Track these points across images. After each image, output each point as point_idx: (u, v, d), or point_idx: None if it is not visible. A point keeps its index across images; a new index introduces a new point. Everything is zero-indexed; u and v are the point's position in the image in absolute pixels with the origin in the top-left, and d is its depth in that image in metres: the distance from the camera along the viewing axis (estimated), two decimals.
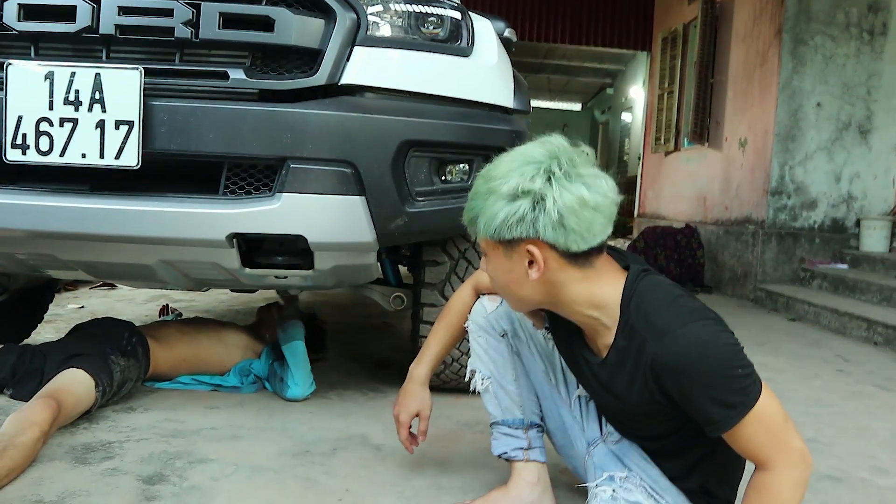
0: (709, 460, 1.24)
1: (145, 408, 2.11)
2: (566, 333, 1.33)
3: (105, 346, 2.06)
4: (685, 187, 7.49)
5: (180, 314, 3.12)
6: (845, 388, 2.85)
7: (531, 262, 1.17)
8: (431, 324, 2.22)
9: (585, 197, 1.12)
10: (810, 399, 2.65)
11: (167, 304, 3.33)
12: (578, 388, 1.46)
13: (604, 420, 1.43)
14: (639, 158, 9.72)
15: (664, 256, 6.59)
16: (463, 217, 1.22)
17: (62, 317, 3.37)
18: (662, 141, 8.15)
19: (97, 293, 4.13)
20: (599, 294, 1.20)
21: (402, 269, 2.66)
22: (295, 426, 2.05)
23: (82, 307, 3.68)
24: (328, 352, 2.82)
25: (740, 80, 6.18)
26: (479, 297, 1.57)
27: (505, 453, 1.52)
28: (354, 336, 3.36)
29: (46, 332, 2.98)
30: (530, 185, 1.13)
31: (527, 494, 1.48)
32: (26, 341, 2.77)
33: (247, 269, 1.80)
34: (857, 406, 2.58)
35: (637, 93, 11.27)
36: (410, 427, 1.61)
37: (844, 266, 5.27)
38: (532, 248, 1.16)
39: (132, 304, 3.85)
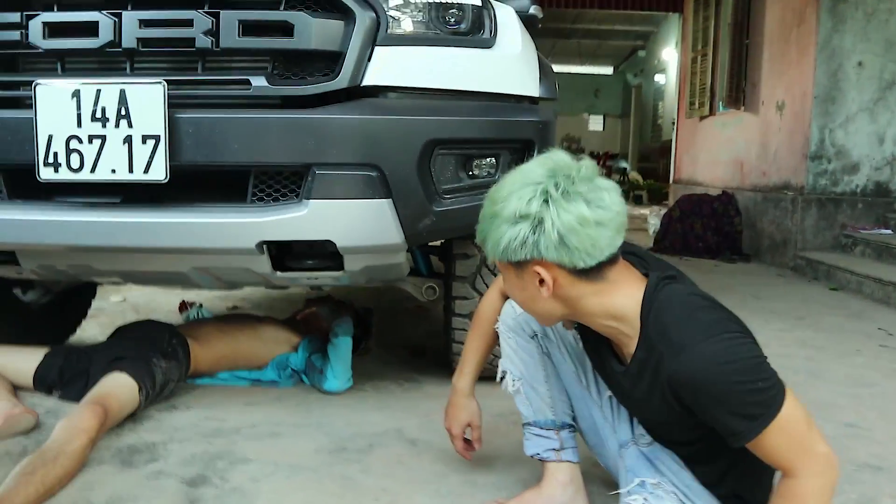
0: (740, 465, 1.23)
1: (187, 406, 2.16)
2: (594, 340, 1.32)
3: (147, 349, 2.11)
4: (721, 153, 7.32)
5: (200, 305, 3.16)
6: (888, 365, 2.79)
7: (541, 281, 1.16)
8: (463, 316, 2.23)
9: (585, 215, 1.11)
10: (851, 378, 2.60)
11: (184, 301, 3.35)
12: (609, 389, 1.46)
13: (635, 422, 1.43)
14: (673, 122, 9.52)
15: (701, 225, 6.48)
16: (476, 238, 1.22)
17: (105, 311, 3.46)
18: (697, 105, 7.96)
19: (138, 286, 4.22)
20: (617, 306, 1.19)
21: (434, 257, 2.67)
22: (332, 421, 2.09)
23: (124, 300, 3.77)
24: (372, 343, 2.84)
25: (776, 41, 5.98)
26: (507, 299, 1.57)
27: (537, 454, 1.53)
28: (389, 322, 3.38)
29: (90, 327, 3.06)
30: (528, 209, 1.12)
31: (559, 495, 1.49)
32: (71, 338, 2.86)
33: (278, 273, 1.83)
34: None
35: (670, 55, 11.00)
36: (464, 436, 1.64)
37: (888, 231, 5.12)
38: (539, 268, 1.15)
39: (172, 294, 3.93)
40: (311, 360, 2.41)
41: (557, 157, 1.19)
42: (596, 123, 18.50)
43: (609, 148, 16.87)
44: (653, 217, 7.90)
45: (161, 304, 3.61)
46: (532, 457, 1.55)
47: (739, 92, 6.62)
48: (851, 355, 2.93)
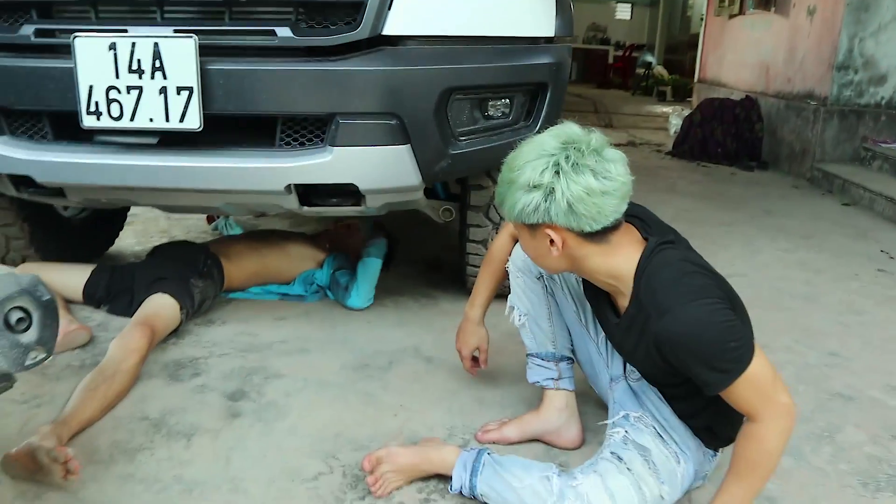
0: (714, 404, 1.38)
1: (222, 321, 2.37)
2: (594, 290, 1.47)
3: (184, 269, 2.29)
4: (748, 54, 7.14)
5: (228, 216, 3.31)
6: (882, 291, 2.92)
7: (551, 242, 1.29)
8: (477, 242, 2.38)
9: (592, 185, 1.23)
10: (843, 304, 2.74)
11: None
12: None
13: None
14: (702, 18, 9.19)
15: (721, 131, 6.45)
16: (495, 199, 1.34)
17: (139, 217, 3.63)
18: (726, 3, 7.67)
19: None
20: (616, 266, 1.32)
21: None
22: (355, 337, 2.29)
23: None
24: (396, 263, 3.00)
25: None
26: (517, 242, 1.71)
27: (537, 382, 1.72)
28: (407, 235, 3.53)
29: (126, 235, 3.26)
30: (540, 179, 1.24)
31: (555, 418, 1.69)
32: (111, 249, 3.06)
33: (304, 208, 1.96)
34: (889, 314, 2.67)
35: None
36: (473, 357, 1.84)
37: None
38: (550, 231, 1.28)
39: None
40: (336, 276, 2.59)
41: (570, 129, 1.29)
42: (623, 12, 17.75)
43: (636, 38, 16.27)
44: (675, 117, 7.82)
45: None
46: (533, 384, 1.73)
47: None
48: (849, 280, 3.06)
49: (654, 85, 12.00)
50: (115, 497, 1.46)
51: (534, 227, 1.31)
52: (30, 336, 1.01)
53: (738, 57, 7.44)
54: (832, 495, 1.56)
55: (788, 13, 6.14)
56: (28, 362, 1.01)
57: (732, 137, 6.36)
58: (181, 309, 2.16)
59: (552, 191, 1.24)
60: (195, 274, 2.30)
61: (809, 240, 3.69)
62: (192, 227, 3.47)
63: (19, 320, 1.00)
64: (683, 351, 1.23)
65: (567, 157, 1.24)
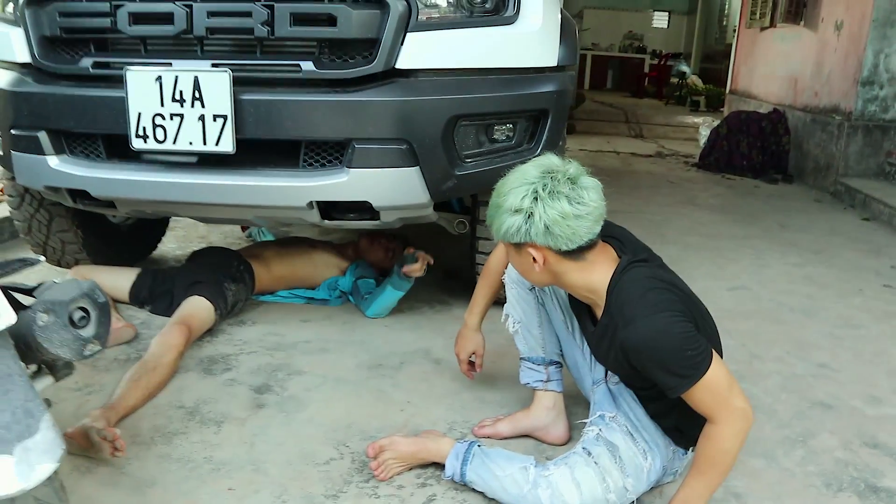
0: (682, 406, 1.54)
1: (253, 321, 2.60)
2: (576, 302, 1.64)
3: (219, 273, 2.53)
4: (777, 67, 7.18)
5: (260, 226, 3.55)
6: (883, 307, 3.01)
7: (533, 259, 1.47)
8: (485, 254, 2.56)
9: (566, 210, 1.41)
10: (841, 319, 2.85)
11: None
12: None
13: None
14: (734, 30, 9.22)
15: (747, 144, 6.52)
16: (486, 220, 1.53)
17: (180, 223, 3.90)
18: (758, 16, 7.72)
19: None
20: (591, 280, 1.50)
21: None
22: (372, 339, 2.49)
23: None
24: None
25: None
26: None
27: (528, 383, 1.90)
28: (426, 243, 3.71)
29: (168, 240, 3.52)
30: (521, 204, 1.43)
31: (543, 416, 1.87)
32: (154, 253, 3.32)
33: (325, 221, 2.17)
34: (885, 329, 2.77)
35: None
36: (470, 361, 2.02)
37: None
38: (532, 249, 1.46)
39: None
40: (358, 284, 2.80)
41: (550, 160, 1.48)
42: (661, 20, 17.74)
43: (673, 47, 16.25)
44: (705, 128, 7.87)
45: None
46: (525, 385, 1.91)
47: (800, 6, 6.43)
48: (852, 295, 3.16)
49: (687, 95, 12.02)
50: (154, 473, 1.68)
51: (518, 246, 1.49)
52: (88, 331, 1.23)
53: (768, 69, 7.49)
54: (795, 493, 1.71)
55: (817, 27, 6.19)
56: (86, 353, 1.23)
57: (758, 150, 6.42)
58: (215, 310, 2.39)
59: (531, 215, 1.42)
60: (229, 278, 2.53)
61: (820, 255, 3.78)
62: (228, 234, 3.73)
63: (81, 318, 1.21)
64: (644, 357, 1.40)
65: (545, 186, 1.42)
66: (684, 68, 13.07)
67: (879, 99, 5.32)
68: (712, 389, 1.40)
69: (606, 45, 15.73)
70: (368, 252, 2.95)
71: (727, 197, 5.31)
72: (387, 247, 2.96)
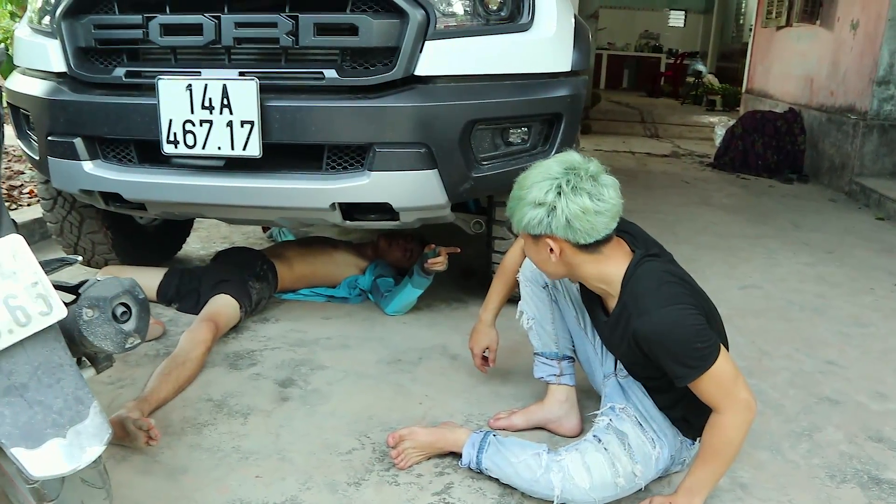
0: (690, 397, 1.61)
1: (276, 319, 2.69)
2: (589, 294, 1.72)
3: (244, 272, 2.62)
4: (793, 66, 7.18)
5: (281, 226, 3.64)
6: (893, 306, 3.05)
7: (551, 250, 1.55)
8: (501, 253, 2.63)
9: (587, 205, 1.48)
10: (851, 318, 2.89)
11: None
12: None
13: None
14: (750, 29, 9.21)
15: (762, 143, 6.53)
16: (506, 211, 1.60)
17: (203, 224, 4.01)
18: (774, 15, 7.71)
19: None
20: (606, 273, 1.57)
21: None
22: (391, 336, 2.58)
23: None
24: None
25: None
26: (526, 256, 1.97)
27: (542, 377, 1.97)
28: (443, 241, 3.78)
29: (192, 241, 3.62)
30: (545, 198, 1.50)
31: (556, 409, 1.94)
32: (179, 253, 3.43)
33: (347, 222, 2.26)
34: (894, 327, 2.81)
35: None
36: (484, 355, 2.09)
37: None
38: (550, 241, 1.54)
39: None
40: (377, 282, 2.88)
41: (572, 157, 1.56)
42: (677, 19, 17.70)
43: (689, 46, 16.21)
44: (720, 127, 7.89)
45: None
46: (538, 379, 1.99)
47: (816, 5, 6.43)
48: (863, 294, 3.19)
49: (703, 94, 12.00)
50: (185, 462, 1.77)
51: (537, 238, 1.56)
52: (129, 326, 1.32)
53: (784, 69, 7.49)
54: (799, 484, 1.77)
55: (833, 27, 6.20)
56: (127, 346, 1.32)
57: (773, 150, 6.43)
58: (240, 308, 2.49)
59: (554, 208, 1.50)
60: (253, 277, 2.63)
61: (832, 254, 3.82)
62: (250, 234, 3.83)
63: (123, 313, 1.31)
64: (656, 346, 1.47)
65: (568, 181, 1.50)
66: (700, 67, 13.04)
67: (895, 99, 5.32)
68: (718, 381, 1.47)
69: (622, 45, 15.72)
70: (387, 252, 3.04)
71: (741, 197, 5.34)
72: (405, 247, 3.05)
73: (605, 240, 1.55)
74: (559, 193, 1.49)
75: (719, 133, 7.73)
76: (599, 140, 8.11)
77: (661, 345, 1.47)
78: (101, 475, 1.28)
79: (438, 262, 2.57)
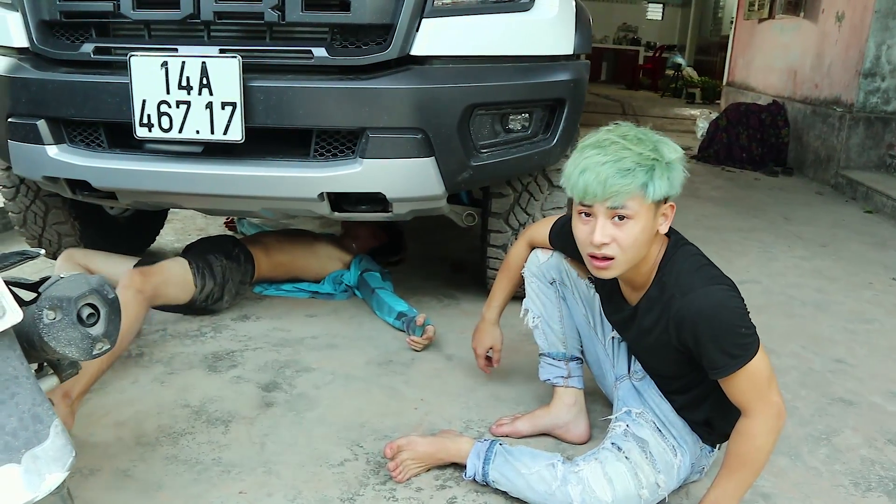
0: (713, 399, 1.49)
1: (257, 316, 2.53)
2: (609, 287, 1.58)
3: (212, 250, 2.43)
4: (776, 59, 7.15)
5: (243, 217, 3.46)
6: (894, 301, 2.98)
7: (665, 215, 1.40)
8: (497, 247, 2.50)
9: (678, 153, 1.37)
10: (853, 313, 2.81)
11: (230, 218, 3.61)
12: (613, 331, 1.73)
13: (633, 359, 1.71)
14: (731, 21, 9.18)
15: (746, 136, 6.48)
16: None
17: (177, 215, 3.82)
18: (756, 7, 7.67)
19: None
20: (651, 253, 1.44)
21: None
22: (380, 334, 2.43)
23: None
24: (406, 253, 3.14)
25: None
26: (532, 250, 1.83)
27: (548, 379, 1.84)
28: (432, 235, 3.66)
29: (166, 232, 3.44)
30: (674, 154, 1.36)
31: (564, 414, 1.81)
32: (152, 246, 3.24)
33: (335, 213, 2.11)
34: None
35: None
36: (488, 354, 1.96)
37: None
38: (668, 207, 1.40)
39: None
40: (364, 277, 2.72)
41: (622, 125, 1.42)
42: (655, 12, 17.70)
43: (667, 39, 16.23)
44: (702, 120, 7.84)
45: None
46: (544, 381, 1.86)
47: None
48: (862, 288, 3.12)
49: (683, 87, 11.99)
50: (161, 476, 1.61)
51: (660, 205, 1.38)
52: (97, 329, 1.16)
53: (767, 61, 7.45)
54: (824, 493, 1.66)
55: (817, 19, 6.15)
56: (95, 352, 1.16)
57: (758, 143, 6.39)
58: (193, 269, 2.29)
59: (668, 163, 1.34)
60: (221, 254, 2.43)
61: (826, 247, 3.75)
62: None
63: (89, 315, 1.14)
64: (700, 329, 1.34)
65: (644, 133, 1.37)
66: (680, 60, 13.04)
67: (881, 91, 5.29)
68: (754, 378, 1.36)
69: (600, 38, 15.68)
70: (355, 236, 2.89)
71: (729, 189, 5.27)
72: (370, 228, 2.92)
73: None
74: (654, 147, 1.35)
75: (701, 126, 7.68)
76: (581, 132, 7.99)
77: (706, 327, 1.34)
78: (64, 501, 1.12)
79: (418, 342, 2.29)
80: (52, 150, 2.00)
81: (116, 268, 2.49)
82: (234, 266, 2.48)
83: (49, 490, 0.98)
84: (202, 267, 2.33)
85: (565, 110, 2.13)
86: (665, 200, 1.39)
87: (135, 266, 2.28)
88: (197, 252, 2.39)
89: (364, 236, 2.91)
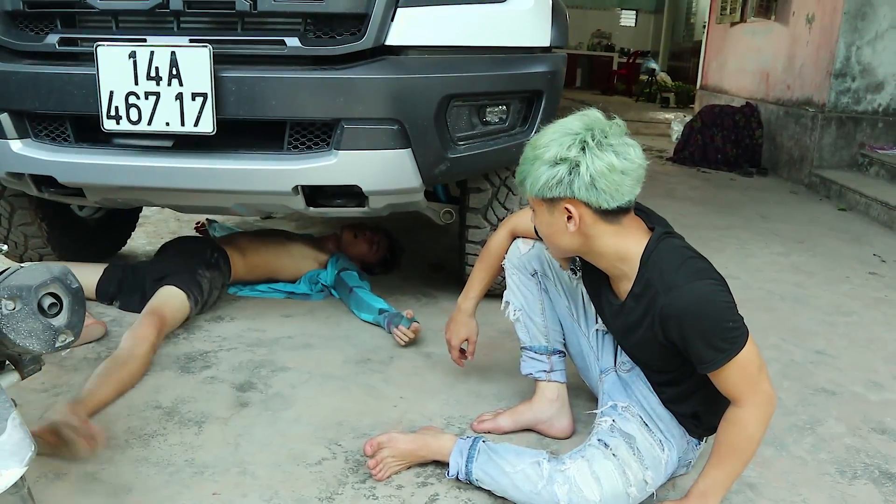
0: (701, 391, 1.47)
1: (231, 317, 2.47)
2: (596, 277, 1.54)
3: (192, 261, 2.39)
4: (748, 62, 7.22)
5: (214, 221, 3.40)
6: (871, 294, 3.00)
7: (569, 217, 1.37)
8: (475, 243, 2.47)
9: (614, 163, 1.32)
10: (832, 306, 2.82)
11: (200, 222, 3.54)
12: (597, 322, 1.70)
13: (619, 351, 1.67)
14: (703, 26, 9.28)
15: (721, 137, 6.53)
16: (515, 179, 1.42)
17: (150, 219, 3.74)
18: (728, 11, 7.76)
19: None
20: (625, 248, 1.41)
21: None
22: (358, 334, 2.38)
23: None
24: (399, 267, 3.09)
25: None
26: (513, 240, 1.80)
27: (531, 374, 1.80)
28: (410, 235, 3.62)
29: (138, 236, 3.36)
30: (567, 154, 1.33)
31: (547, 409, 1.78)
32: (124, 249, 3.16)
33: (311, 209, 2.06)
34: (876, 315, 2.74)
35: None
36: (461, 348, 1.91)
37: None
38: (569, 205, 1.36)
39: None
40: (341, 276, 2.67)
41: (593, 114, 1.39)
42: (628, 18, 17.88)
43: (641, 45, 16.38)
44: (676, 123, 7.90)
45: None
46: (526, 375, 1.82)
47: (770, 0, 6.47)
48: (840, 282, 3.14)
49: (657, 91, 12.10)
50: (130, 478, 1.55)
51: (553, 202, 1.38)
52: (60, 320, 1.10)
53: (739, 64, 7.53)
54: (810, 482, 1.65)
55: (788, 21, 6.23)
56: (58, 344, 1.10)
57: (732, 144, 6.44)
58: (189, 298, 2.25)
59: (577, 165, 1.33)
60: (203, 265, 2.40)
61: (803, 244, 3.77)
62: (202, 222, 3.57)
63: (51, 305, 1.09)
64: (686, 324, 1.32)
65: (593, 136, 1.33)
66: (654, 66, 13.17)
67: (852, 91, 5.36)
68: (745, 368, 1.33)
69: (575, 44, 15.78)
70: (352, 245, 2.84)
71: (705, 189, 5.30)
72: (371, 239, 2.86)
73: (626, 209, 1.39)
74: (583, 149, 1.32)
75: (676, 129, 7.74)
76: None
77: (692, 323, 1.31)
78: (24, 501, 1.06)
79: (402, 335, 2.26)
80: (16, 145, 1.93)
81: (85, 276, 2.43)
82: (216, 275, 2.45)
83: (6, 486, 0.92)
84: (193, 289, 2.30)
85: (542, 102, 2.10)
86: (561, 199, 1.36)
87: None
88: (185, 274, 2.33)
89: (360, 246, 2.86)
